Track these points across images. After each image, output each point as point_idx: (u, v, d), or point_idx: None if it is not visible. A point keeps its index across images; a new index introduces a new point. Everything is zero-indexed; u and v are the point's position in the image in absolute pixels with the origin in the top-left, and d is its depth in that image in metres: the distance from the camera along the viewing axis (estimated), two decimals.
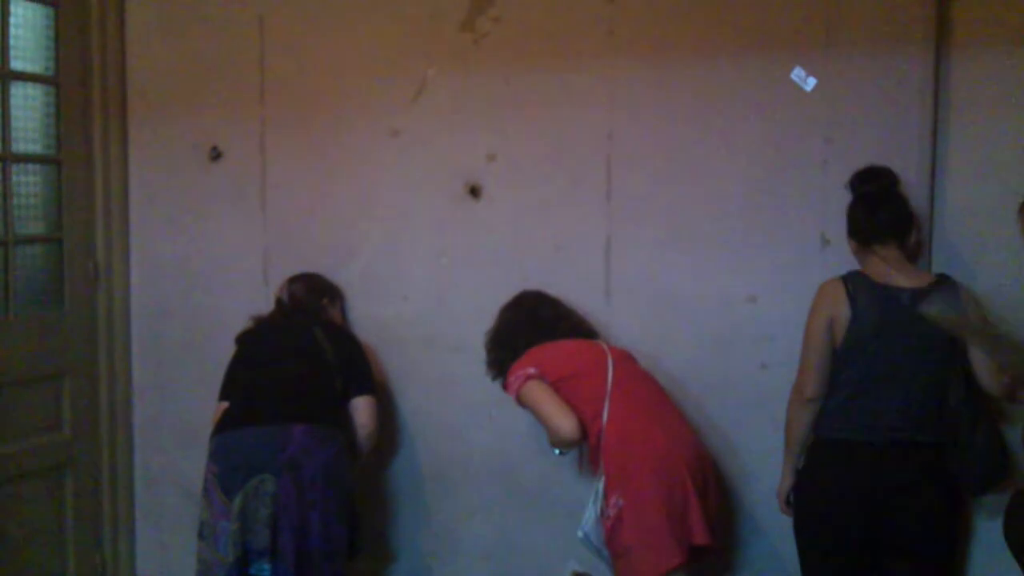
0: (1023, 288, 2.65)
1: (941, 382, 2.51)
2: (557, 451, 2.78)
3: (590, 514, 2.63)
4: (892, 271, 2.55)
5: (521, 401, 2.74)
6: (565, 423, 2.62)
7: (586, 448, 2.76)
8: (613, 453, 2.59)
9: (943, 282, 2.52)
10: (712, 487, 2.70)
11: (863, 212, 2.59)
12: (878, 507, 2.50)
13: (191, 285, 3.56)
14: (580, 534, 2.66)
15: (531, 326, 2.90)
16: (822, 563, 2.61)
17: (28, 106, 3.30)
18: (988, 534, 2.71)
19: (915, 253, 2.66)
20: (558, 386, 2.69)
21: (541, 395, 2.68)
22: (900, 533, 2.52)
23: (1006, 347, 2.26)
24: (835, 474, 2.57)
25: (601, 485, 2.60)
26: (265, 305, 3.30)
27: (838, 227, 2.75)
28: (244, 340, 3.08)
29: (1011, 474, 2.56)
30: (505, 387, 2.81)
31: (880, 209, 2.57)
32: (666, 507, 2.51)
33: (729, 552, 2.98)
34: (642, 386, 2.76)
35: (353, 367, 3.01)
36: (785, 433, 2.69)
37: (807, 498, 2.65)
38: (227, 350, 3.09)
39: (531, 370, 2.72)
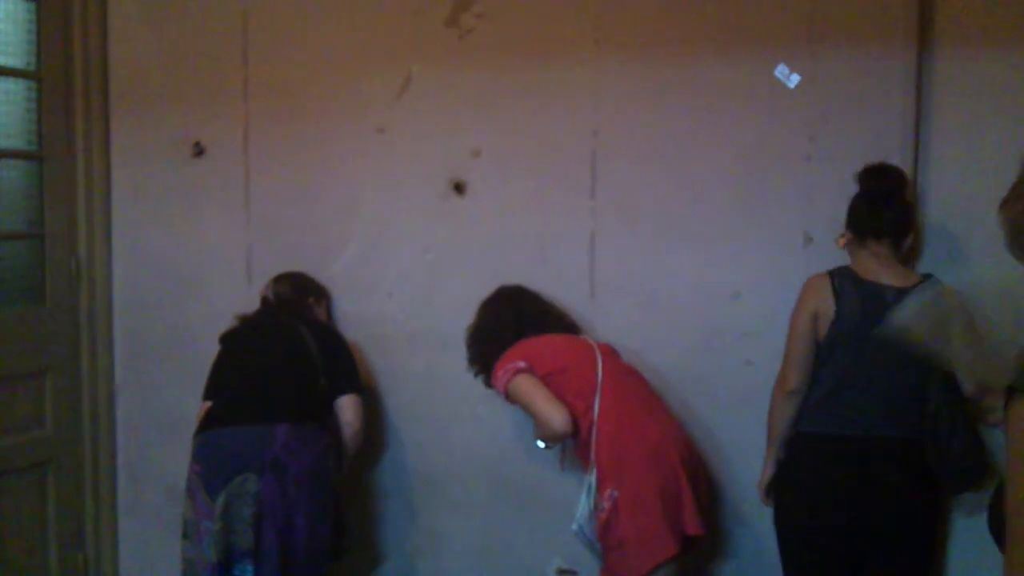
0: (1002, 283, 2.66)
1: (921, 380, 2.52)
2: (542, 444, 2.78)
3: (583, 508, 2.63)
4: (880, 269, 2.56)
5: (510, 395, 2.73)
6: (557, 416, 2.62)
7: (571, 442, 2.77)
8: (606, 446, 2.60)
9: (928, 282, 2.54)
10: (701, 477, 2.73)
11: (867, 208, 2.60)
12: (857, 501, 2.52)
13: (174, 282, 3.54)
14: (574, 527, 2.66)
15: (516, 321, 2.90)
16: (802, 555, 2.63)
17: (9, 101, 3.27)
18: (966, 529, 2.74)
19: (908, 256, 2.68)
20: (547, 380, 2.69)
21: (532, 388, 2.68)
22: (879, 527, 2.53)
23: (965, 363, 2.27)
24: (815, 467, 2.59)
25: (593, 478, 2.61)
26: (248, 301, 3.29)
27: (820, 225, 2.76)
28: (228, 339, 3.06)
29: (989, 473, 2.58)
30: (492, 381, 2.81)
31: (884, 208, 2.58)
32: (661, 498, 2.53)
33: (714, 542, 2.99)
34: (630, 380, 2.78)
35: (338, 366, 3.00)
36: (767, 425, 2.70)
37: (787, 490, 2.67)
38: (210, 347, 3.07)
39: (520, 364, 2.71)
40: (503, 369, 2.74)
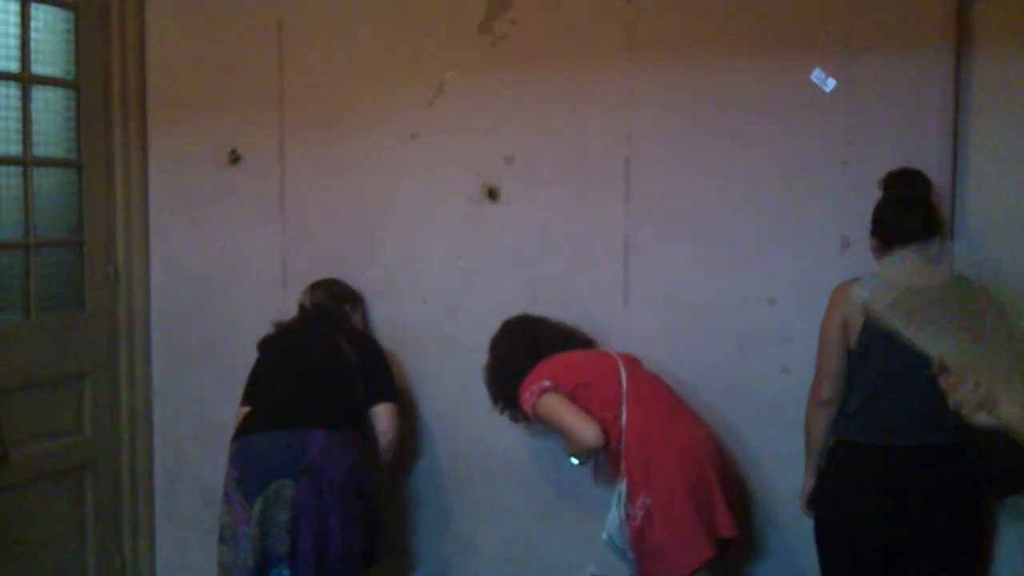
0: None
1: None
2: (576, 461, 2.77)
3: (614, 516, 2.63)
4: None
5: (539, 414, 2.73)
6: (588, 431, 2.62)
7: (602, 455, 2.76)
8: (635, 454, 2.60)
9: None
10: (731, 478, 2.73)
11: (892, 214, 2.56)
12: (899, 509, 2.49)
13: (210, 288, 3.57)
14: (604, 536, 2.66)
15: (530, 349, 2.89)
16: (842, 566, 2.60)
17: (48, 109, 3.32)
18: (1012, 535, 2.69)
19: (937, 257, 2.64)
20: (574, 395, 2.69)
21: (560, 406, 2.68)
22: (921, 535, 2.50)
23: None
24: (855, 477, 2.57)
25: (624, 487, 2.60)
26: (283, 308, 3.31)
27: (858, 229, 2.73)
28: (267, 346, 3.09)
29: None
30: (520, 406, 2.80)
31: (910, 213, 2.54)
32: (693, 502, 2.53)
33: (748, 546, 2.96)
34: (653, 386, 2.78)
35: (375, 374, 3.01)
36: (805, 436, 2.68)
37: (828, 501, 2.64)
38: (246, 353, 3.10)
39: (545, 383, 2.71)
40: (528, 391, 2.74)
